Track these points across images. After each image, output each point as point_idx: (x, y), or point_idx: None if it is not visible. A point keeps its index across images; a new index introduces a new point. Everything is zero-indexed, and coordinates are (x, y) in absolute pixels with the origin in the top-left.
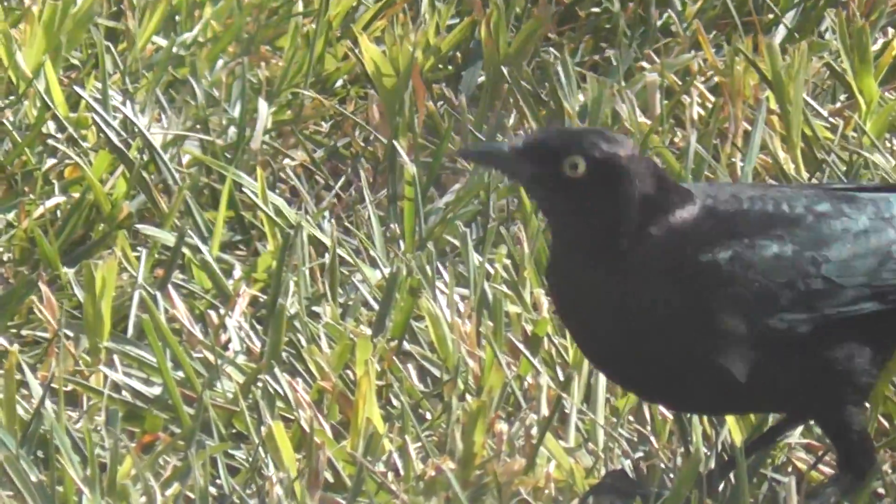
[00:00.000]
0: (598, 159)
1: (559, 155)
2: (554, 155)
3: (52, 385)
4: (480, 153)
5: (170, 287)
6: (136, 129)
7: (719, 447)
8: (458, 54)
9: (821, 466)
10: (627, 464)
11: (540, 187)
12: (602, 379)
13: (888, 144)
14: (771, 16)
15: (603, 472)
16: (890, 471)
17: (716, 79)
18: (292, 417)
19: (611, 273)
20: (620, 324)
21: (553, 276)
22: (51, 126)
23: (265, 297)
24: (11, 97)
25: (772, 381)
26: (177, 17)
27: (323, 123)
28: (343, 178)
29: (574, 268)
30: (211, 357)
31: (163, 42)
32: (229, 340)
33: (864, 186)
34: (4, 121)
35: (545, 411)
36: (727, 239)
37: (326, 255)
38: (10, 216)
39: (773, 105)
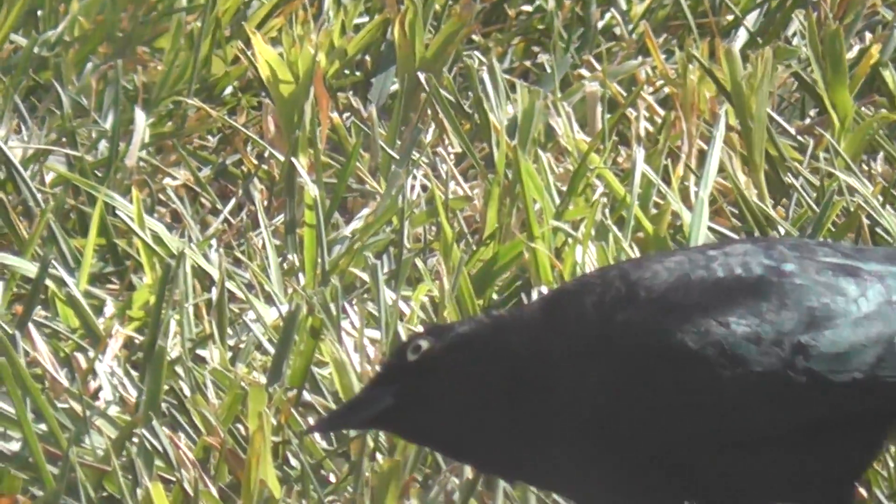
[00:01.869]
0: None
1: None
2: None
3: None
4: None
5: (30, 326)
6: None
7: None
8: (368, 58)
9: None
10: None
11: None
12: None
13: (865, 167)
14: (730, 17)
15: None
16: None
17: (666, 89)
18: (173, 479)
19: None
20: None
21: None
22: None
23: (142, 338)
24: None
25: (748, 483)
26: (39, 13)
27: (210, 137)
28: (233, 201)
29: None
30: (78, 408)
31: (22, 41)
32: (100, 388)
33: (863, 251)
34: None
35: (469, 473)
36: (689, 315)
37: (214, 290)
38: None
39: (733, 121)
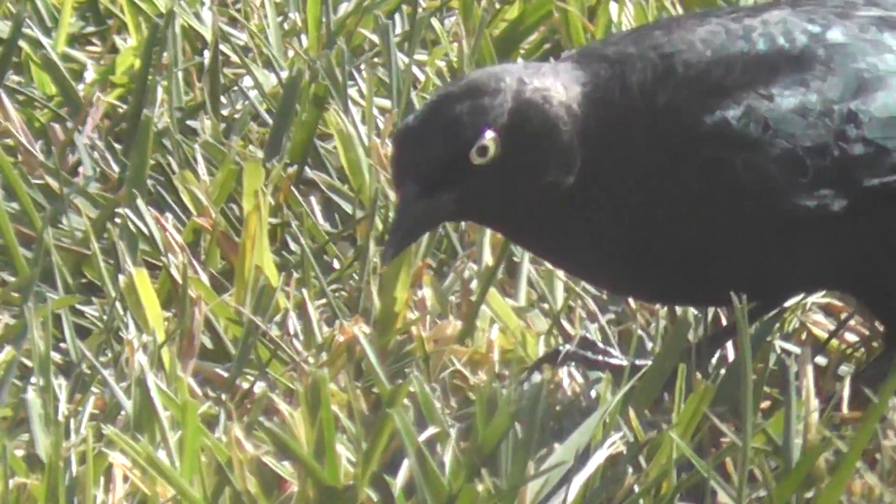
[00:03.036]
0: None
1: (462, 145)
2: (456, 148)
3: None
4: (402, 237)
5: (1, 92)
6: None
7: (712, 310)
8: None
9: (844, 333)
10: (594, 328)
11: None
12: None
13: None
14: None
15: (560, 339)
16: None
17: None
18: (160, 264)
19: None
20: (630, 242)
21: (540, 242)
22: None
23: (125, 106)
24: None
25: (801, 267)
26: None
27: None
28: None
29: (553, 217)
30: (55, 184)
31: None
32: (79, 163)
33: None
34: None
35: (488, 259)
36: (731, 92)
37: (206, 53)
38: None
39: None
